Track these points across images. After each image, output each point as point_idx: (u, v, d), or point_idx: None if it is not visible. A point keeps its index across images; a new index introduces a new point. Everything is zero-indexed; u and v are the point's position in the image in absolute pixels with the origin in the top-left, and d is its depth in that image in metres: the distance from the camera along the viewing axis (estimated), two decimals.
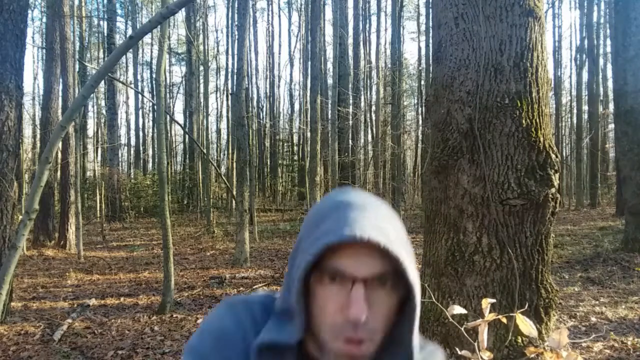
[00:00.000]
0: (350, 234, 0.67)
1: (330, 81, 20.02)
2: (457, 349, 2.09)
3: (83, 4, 16.03)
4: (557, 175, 2.85)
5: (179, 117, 28.58)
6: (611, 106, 16.30)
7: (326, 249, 0.68)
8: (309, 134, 17.42)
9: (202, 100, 22.18)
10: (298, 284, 0.69)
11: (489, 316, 1.59)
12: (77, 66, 12.56)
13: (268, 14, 29.08)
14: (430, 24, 17.37)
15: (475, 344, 1.69)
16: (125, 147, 28.19)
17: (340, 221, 0.70)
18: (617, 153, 9.47)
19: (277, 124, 28.50)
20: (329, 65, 21.69)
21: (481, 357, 1.60)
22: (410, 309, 0.72)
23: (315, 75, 13.06)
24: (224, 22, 38.16)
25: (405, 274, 0.69)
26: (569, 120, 23.83)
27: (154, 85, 21.77)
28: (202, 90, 22.68)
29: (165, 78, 22.29)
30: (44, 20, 19.46)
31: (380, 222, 0.71)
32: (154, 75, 24.92)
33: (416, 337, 0.73)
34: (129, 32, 24.11)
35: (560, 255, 8.01)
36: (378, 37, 22.89)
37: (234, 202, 12.91)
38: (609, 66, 19.67)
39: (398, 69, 17.48)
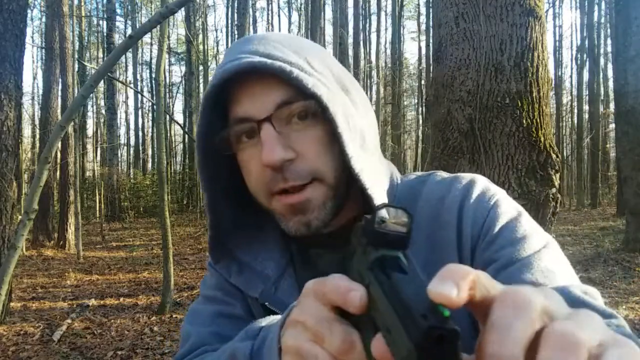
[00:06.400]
0: (225, 66, 0.57)
1: None
2: None
3: (82, 3, 16.03)
4: (557, 175, 2.84)
5: (179, 116, 28.58)
6: (612, 106, 16.30)
7: (215, 92, 0.59)
8: None
9: (201, 100, 22.18)
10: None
11: None
12: (76, 66, 12.55)
13: (268, 14, 28.92)
14: (431, 23, 17.36)
15: None
16: (125, 147, 28.21)
17: (224, 60, 0.60)
18: (618, 153, 9.45)
19: None
20: None
21: None
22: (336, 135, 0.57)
23: None
24: (223, 21, 38.16)
25: (306, 89, 0.55)
26: (570, 120, 23.82)
27: (154, 85, 21.83)
28: (201, 89, 22.68)
29: (165, 78, 22.27)
30: (44, 19, 19.44)
31: (270, 47, 0.58)
32: (153, 75, 24.90)
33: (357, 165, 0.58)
34: (129, 31, 24.08)
35: None
36: (378, 36, 22.85)
37: None
38: (610, 66, 19.68)
39: (398, 68, 17.50)
